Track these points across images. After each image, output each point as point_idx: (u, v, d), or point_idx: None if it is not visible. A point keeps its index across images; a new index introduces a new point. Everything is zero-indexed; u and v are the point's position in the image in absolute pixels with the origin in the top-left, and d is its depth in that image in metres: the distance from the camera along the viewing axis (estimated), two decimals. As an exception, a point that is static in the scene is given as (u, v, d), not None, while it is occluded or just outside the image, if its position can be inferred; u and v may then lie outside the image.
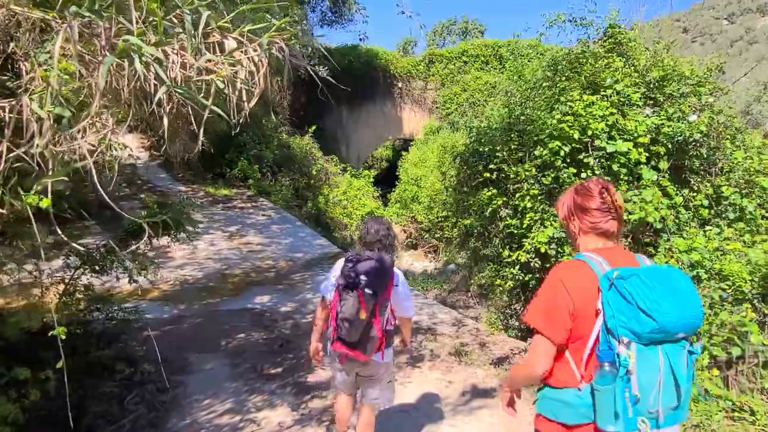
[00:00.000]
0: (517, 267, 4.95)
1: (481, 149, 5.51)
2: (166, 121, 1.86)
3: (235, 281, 7.95)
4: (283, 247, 9.74)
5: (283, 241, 10.10)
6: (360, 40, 15.91)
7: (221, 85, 1.83)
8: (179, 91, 1.76)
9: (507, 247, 5.39)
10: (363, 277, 2.57)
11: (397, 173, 20.47)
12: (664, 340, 1.55)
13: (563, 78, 5.40)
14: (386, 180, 23.67)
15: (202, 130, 2.03)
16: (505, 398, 1.97)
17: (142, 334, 5.80)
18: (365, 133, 23.89)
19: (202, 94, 1.84)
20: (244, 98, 1.96)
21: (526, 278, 5.16)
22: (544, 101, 5.59)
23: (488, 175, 5.30)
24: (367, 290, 2.54)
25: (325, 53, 4.50)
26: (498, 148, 5.20)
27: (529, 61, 23.04)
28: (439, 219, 16.44)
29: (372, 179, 19.96)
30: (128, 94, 1.80)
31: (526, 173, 4.83)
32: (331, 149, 20.40)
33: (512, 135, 5.30)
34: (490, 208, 5.37)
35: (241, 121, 2.00)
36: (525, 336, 5.67)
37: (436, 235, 16.99)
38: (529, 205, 4.78)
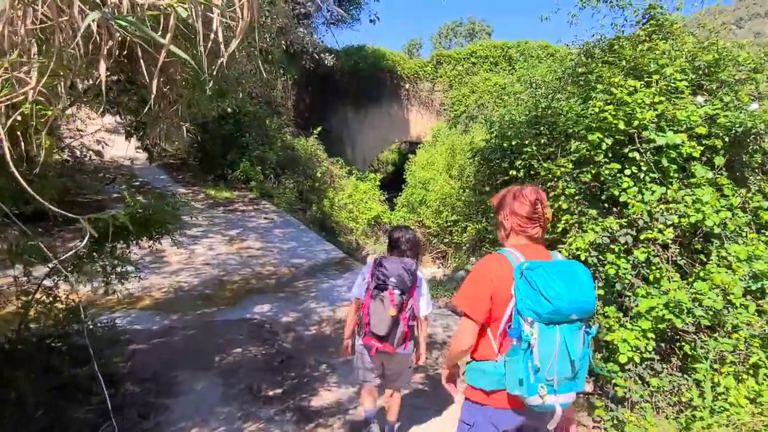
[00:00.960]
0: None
1: (504, 144, 4.92)
2: (102, 69, 1.29)
3: (234, 288, 7.38)
4: (286, 253, 9.17)
5: (286, 246, 9.54)
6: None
7: (184, 14, 1.25)
8: (120, 22, 1.19)
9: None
10: (393, 279, 2.96)
11: (404, 176, 19.89)
12: (561, 321, 1.85)
13: (599, 64, 4.83)
14: (392, 184, 23.11)
15: (153, 83, 1.45)
16: (444, 375, 2.30)
17: (128, 348, 5.23)
18: (371, 135, 23.37)
19: (159, 33, 1.27)
20: (221, 39, 1.39)
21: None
22: (577, 90, 5.02)
23: (514, 173, 4.72)
24: (395, 290, 2.94)
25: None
26: (527, 142, 4.62)
27: (539, 62, 22.52)
28: (449, 223, 15.84)
29: (378, 183, 19.40)
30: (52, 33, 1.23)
31: (562, 170, 4.23)
32: (336, 151, 19.88)
33: (541, 128, 4.72)
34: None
35: (217, 72, 1.43)
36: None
37: (445, 240, 16.37)
38: (564, 206, 4.19)
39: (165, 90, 3.24)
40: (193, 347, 5.39)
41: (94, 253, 3.70)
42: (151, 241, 4.13)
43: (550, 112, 4.94)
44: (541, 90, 5.56)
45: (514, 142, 4.73)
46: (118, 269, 4.47)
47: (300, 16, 18.54)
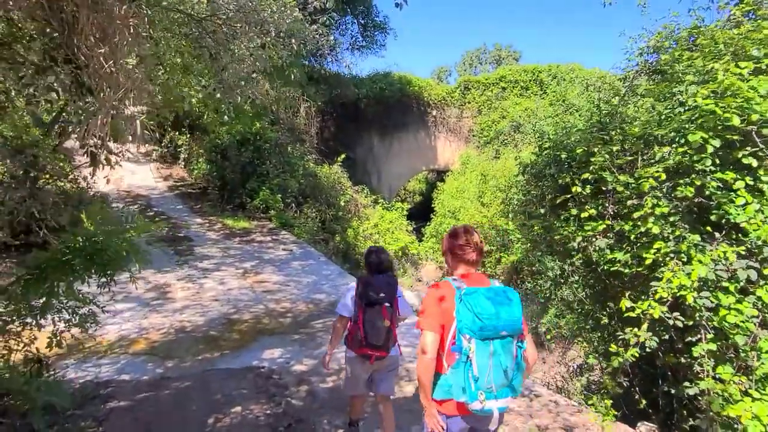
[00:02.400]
0: (644, 327, 3.26)
1: (562, 156, 3.97)
2: None
3: (242, 329, 6.47)
4: (304, 287, 8.26)
5: (305, 280, 8.63)
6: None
7: None
8: None
9: (609, 293, 3.76)
10: (382, 295, 3.32)
11: (432, 206, 18.97)
12: (494, 336, 2.19)
13: (683, 51, 3.89)
14: (420, 214, 22.17)
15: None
16: (429, 414, 2.38)
17: (104, 407, 4.34)
18: (397, 163, 22.61)
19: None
20: None
21: (650, 345, 3.33)
22: (654, 87, 4.06)
23: (578, 189, 3.75)
24: (386, 304, 3.32)
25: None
26: (596, 150, 3.66)
27: (572, 85, 21.60)
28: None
29: (405, 213, 18.50)
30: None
31: (650, 183, 3.24)
32: (361, 180, 19.13)
33: (613, 134, 3.75)
34: (580, 237, 3.78)
35: None
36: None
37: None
38: (654, 229, 3.17)
39: (109, 66, 2.51)
40: (184, 405, 4.46)
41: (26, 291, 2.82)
42: (105, 279, 3.21)
43: (618, 116, 3.99)
44: (602, 92, 4.62)
45: (578, 151, 3.76)
46: (80, 310, 3.60)
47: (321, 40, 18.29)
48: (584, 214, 3.69)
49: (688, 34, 4.12)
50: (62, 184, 9.06)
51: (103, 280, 3.31)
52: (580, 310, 5.04)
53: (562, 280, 5.03)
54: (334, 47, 5.79)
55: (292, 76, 7.94)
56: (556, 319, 8.43)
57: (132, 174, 15.19)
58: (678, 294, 2.95)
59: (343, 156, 16.73)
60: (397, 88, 21.56)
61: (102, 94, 2.08)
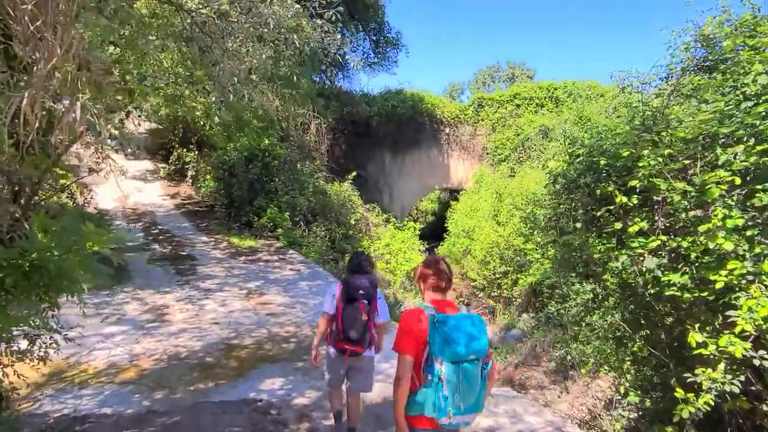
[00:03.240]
0: (721, 367, 2.66)
1: (601, 162, 3.43)
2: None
3: (242, 356, 5.94)
4: (311, 310, 7.72)
5: (312, 302, 8.10)
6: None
7: None
8: None
9: (655, 320, 3.19)
10: (360, 292, 3.65)
11: (445, 225, 18.41)
12: (462, 360, 2.39)
13: (745, 38, 3.38)
14: (433, 234, 21.62)
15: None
16: (400, 425, 2.51)
17: (77, 447, 3.83)
18: (410, 181, 22.16)
19: None
20: None
21: (730, 389, 2.78)
22: (708, 83, 3.53)
23: (623, 199, 3.20)
24: (364, 300, 3.64)
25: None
26: (645, 153, 3.12)
27: (589, 102, 21.11)
28: (497, 275, 14.11)
29: (418, 232, 17.96)
30: None
31: (720, 189, 2.68)
32: (372, 199, 18.67)
33: (663, 135, 3.22)
34: (624, 255, 3.23)
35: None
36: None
37: (493, 294, 14.60)
38: (726, 245, 2.61)
39: (38, 27, 2.01)
40: (169, 445, 3.93)
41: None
42: (46, 304, 2.71)
43: (664, 117, 3.46)
44: (638, 95, 4.10)
45: (625, 154, 3.22)
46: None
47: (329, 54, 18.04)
48: (633, 228, 3.14)
49: (747, 22, 3.61)
50: (59, 200, 8.65)
51: (45, 305, 2.76)
52: (613, 338, 4.44)
53: (595, 305, 4.45)
54: (342, 48, 5.36)
55: (299, 85, 7.53)
56: (582, 346, 7.79)
57: (138, 192, 14.87)
58: (764, 327, 2.39)
59: (354, 173, 16.32)
60: (409, 106, 21.22)
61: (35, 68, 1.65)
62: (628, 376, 4.40)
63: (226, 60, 3.63)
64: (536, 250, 11.87)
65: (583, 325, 5.16)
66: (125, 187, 15.08)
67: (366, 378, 3.88)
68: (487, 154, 21.67)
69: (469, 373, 2.40)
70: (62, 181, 8.91)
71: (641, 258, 3.17)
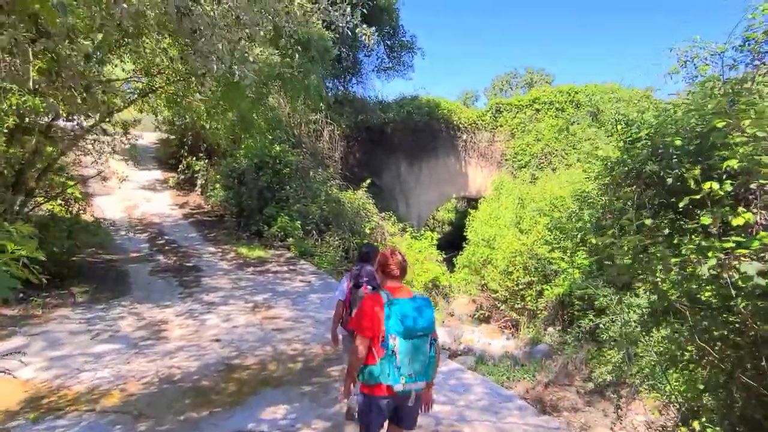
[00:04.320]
0: None
1: (676, 142, 2.72)
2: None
3: (242, 378, 5.28)
4: (321, 325, 7.06)
5: (322, 316, 7.44)
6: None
7: None
8: None
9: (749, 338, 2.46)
10: (365, 278, 4.10)
11: (464, 234, 17.62)
12: (412, 335, 2.80)
13: None
14: (450, 245, 20.81)
15: None
16: (345, 387, 3.08)
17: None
18: (426, 190, 21.46)
19: None
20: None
21: None
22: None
23: (713, 185, 2.49)
24: (368, 286, 4.05)
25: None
26: (747, 122, 2.38)
27: (611, 105, 20.29)
28: (520, 286, 13.29)
29: (435, 242, 17.23)
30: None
31: None
32: (388, 209, 17.97)
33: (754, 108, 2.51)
34: (713, 258, 2.51)
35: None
36: None
37: (516, 307, 13.76)
38: None
39: None
40: (145, 492, 3.27)
41: None
42: None
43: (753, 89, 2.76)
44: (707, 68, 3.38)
45: (719, 124, 2.49)
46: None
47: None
48: (737, 221, 2.44)
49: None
50: (52, 206, 8.15)
51: None
52: (680, 358, 3.69)
53: (655, 320, 3.70)
54: (352, 21, 4.75)
55: (308, 81, 6.94)
56: (634, 366, 6.98)
57: (147, 201, 14.43)
58: None
59: (368, 180, 15.69)
60: (425, 112, 20.58)
61: None
62: (707, 411, 3.64)
63: (208, 22, 3.06)
64: (562, 258, 11.10)
65: (639, 343, 4.40)
66: (134, 197, 14.67)
67: None
68: (506, 160, 20.90)
69: (418, 346, 2.83)
70: (63, 183, 8.44)
71: (736, 262, 2.46)
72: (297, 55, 6.52)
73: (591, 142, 12.05)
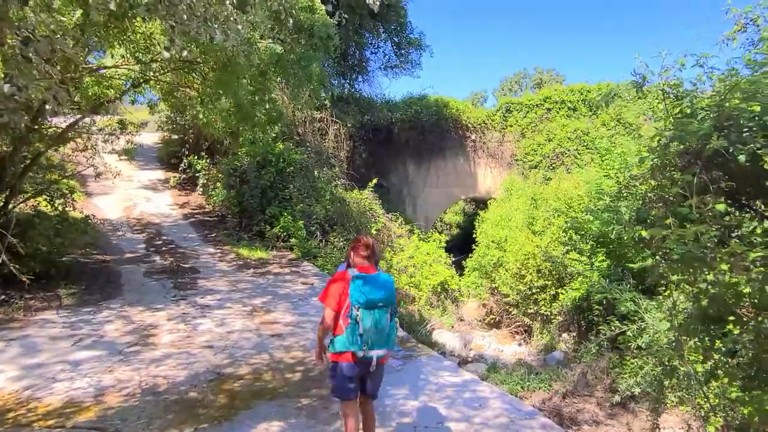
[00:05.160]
0: None
1: (754, 107, 2.19)
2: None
3: (234, 389, 4.77)
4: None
5: (325, 320, 6.90)
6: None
7: None
8: None
9: None
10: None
11: (473, 236, 17.03)
12: (374, 306, 3.13)
13: None
14: (458, 248, 20.27)
15: None
16: (317, 352, 3.49)
17: None
18: (434, 192, 20.90)
19: None
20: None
21: None
22: None
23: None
24: None
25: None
26: None
27: (625, 102, 19.69)
28: (533, 290, 12.69)
29: (443, 244, 16.67)
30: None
31: None
32: (395, 210, 17.44)
33: None
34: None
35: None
36: None
37: (529, 311, 13.17)
38: None
39: None
40: None
41: None
42: None
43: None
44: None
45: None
46: None
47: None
48: None
49: None
50: (39, 203, 7.69)
51: None
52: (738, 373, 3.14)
53: (705, 326, 3.15)
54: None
55: (309, 66, 6.44)
56: (650, 372, 6.41)
57: (147, 201, 14.00)
58: None
59: (374, 180, 15.18)
60: (433, 111, 20.06)
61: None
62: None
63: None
64: (579, 260, 10.51)
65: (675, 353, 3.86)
66: (134, 196, 14.26)
67: None
68: (517, 161, 20.32)
69: (378, 317, 3.13)
70: (52, 180, 7.98)
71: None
72: (300, 40, 6.07)
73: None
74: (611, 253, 9.02)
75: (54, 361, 5.19)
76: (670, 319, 4.10)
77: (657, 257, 3.30)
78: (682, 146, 2.55)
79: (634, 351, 6.68)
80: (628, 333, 6.07)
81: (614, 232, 7.69)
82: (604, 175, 8.85)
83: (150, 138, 20.12)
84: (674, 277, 2.82)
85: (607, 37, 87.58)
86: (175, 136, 16.86)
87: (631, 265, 7.80)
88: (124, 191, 14.59)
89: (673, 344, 3.58)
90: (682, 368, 4.46)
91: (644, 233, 2.65)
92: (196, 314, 6.92)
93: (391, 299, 3.21)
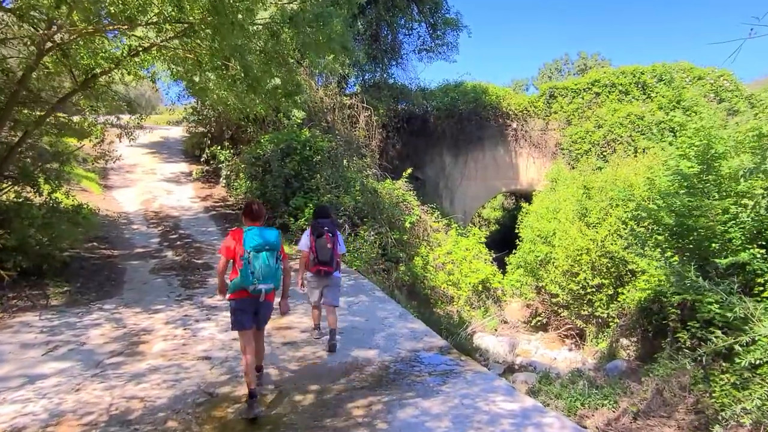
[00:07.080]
0: None
1: None
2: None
3: (226, 418, 3.70)
4: (345, 337, 5.45)
5: (348, 326, 5.83)
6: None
7: None
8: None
9: None
10: (326, 228, 5.09)
11: (516, 231, 15.64)
12: (261, 249, 3.81)
13: None
14: (497, 244, 18.83)
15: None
16: (219, 291, 4.22)
17: None
18: (473, 184, 19.53)
19: None
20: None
21: None
22: None
23: None
24: (329, 233, 5.06)
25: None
26: None
27: (684, 86, 17.87)
28: (588, 290, 11.27)
29: (483, 239, 15.35)
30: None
31: None
32: (431, 204, 16.25)
33: None
34: None
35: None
36: None
37: (582, 313, 11.75)
38: None
39: None
40: None
41: None
42: None
43: None
44: None
45: None
46: None
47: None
48: None
49: None
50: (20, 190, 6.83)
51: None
52: None
53: None
54: None
55: (328, 26, 5.34)
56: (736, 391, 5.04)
57: (168, 194, 13.25)
58: None
59: (409, 170, 14.02)
60: (471, 99, 18.71)
61: None
62: None
63: None
64: (651, 256, 9.02)
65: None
66: (155, 189, 13.56)
67: (336, 293, 5.24)
68: (562, 150, 18.74)
69: (265, 257, 3.82)
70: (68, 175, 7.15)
71: None
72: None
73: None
74: (689, 246, 7.57)
75: (15, 375, 4.26)
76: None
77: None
78: None
79: (736, 366, 5.29)
80: (737, 347, 4.72)
81: (699, 221, 6.32)
82: (680, 155, 7.42)
83: (177, 132, 19.58)
84: None
85: (651, 18, 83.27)
86: (200, 129, 16.16)
87: (718, 260, 6.34)
88: (146, 184, 13.92)
89: None
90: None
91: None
92: (199, 317, 5.94)
93: (275, 244, 3.92)
